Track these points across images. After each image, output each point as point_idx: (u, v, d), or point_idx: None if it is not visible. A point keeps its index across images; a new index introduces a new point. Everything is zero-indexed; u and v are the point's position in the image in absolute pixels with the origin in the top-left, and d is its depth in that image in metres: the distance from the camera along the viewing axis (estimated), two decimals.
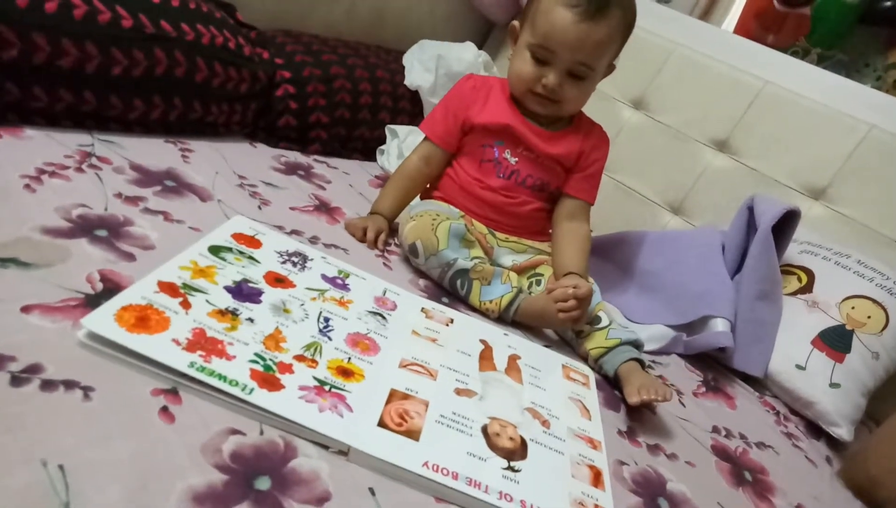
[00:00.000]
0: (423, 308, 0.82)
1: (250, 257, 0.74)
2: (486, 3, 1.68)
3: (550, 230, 1.05)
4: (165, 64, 0.97)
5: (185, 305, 0.61)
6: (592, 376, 0.85)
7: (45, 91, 0.86)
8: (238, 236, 0.77)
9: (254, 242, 0.78)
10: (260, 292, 0.68)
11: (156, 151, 0.94)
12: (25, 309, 0.54)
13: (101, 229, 0.69)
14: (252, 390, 0.54)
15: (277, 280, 0.72)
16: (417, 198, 1.06)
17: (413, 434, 0.58)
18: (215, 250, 0.72)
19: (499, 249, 1.00)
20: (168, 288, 0.62)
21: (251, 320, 0.63)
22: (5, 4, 0.80)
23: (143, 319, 0.56)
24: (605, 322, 0.91)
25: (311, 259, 0.80)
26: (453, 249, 0.90)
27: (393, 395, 0.62)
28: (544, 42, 0.90)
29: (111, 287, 0.61)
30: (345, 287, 0.77)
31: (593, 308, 0.93)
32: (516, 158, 0.99)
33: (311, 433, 0.54)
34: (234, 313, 0.63)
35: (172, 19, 0.98)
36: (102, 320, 0.54)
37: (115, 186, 0.80)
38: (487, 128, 0.99)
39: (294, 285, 0.73)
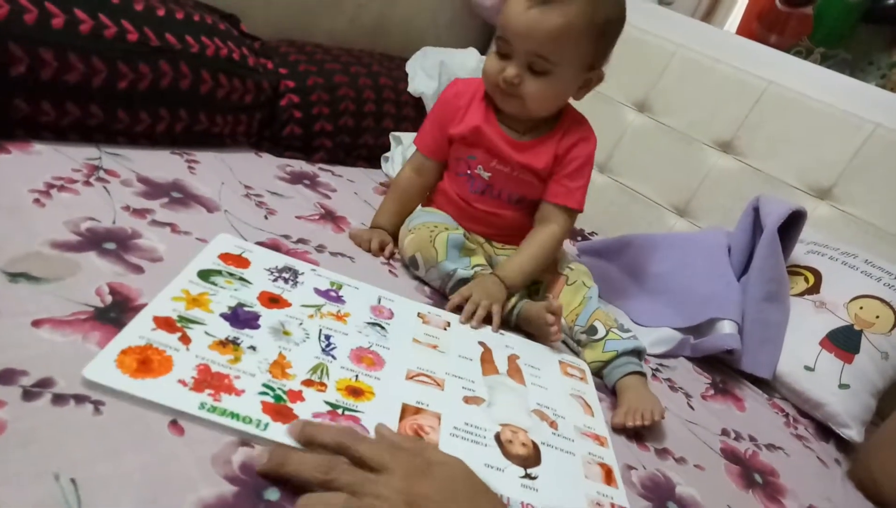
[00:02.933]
0: (419, 313, 0.82)
1: (241, 279, 0.72)
2: (487, 9, 1.68)
3: None
4: (171, 76, 0.98)
5: (185, 339, 0.59)
6: (588, 370, 0.86)
7: (52, 106, 0.87)
8: (225, 257, 0.75)
9: (241, 261, 0.76)
10: (257, 316, 0.67)
11: (162, 163, 0.95)
12: (36, 323, 0.54)
13: (110, 242, 0.70)
14: (266, 425, 0.53)
15: (272, 300, 0.70)
16: (420, 206, 1.06)
17: None
18: (205, 275, 0.70)
19: (496, 257, 1.00)
20: (164, 323, 0.60)
21: (253, 348, 0.61)
22: (13, 21, 0.81)
23: (145, 361, 0.54)
24: (601, 333, 0.89)
25: (302, 273, 0.78)
26: (452, 259, 0.90)
27: (405, 410, 0.62)
28: (502, 33, 0.87)
29: (120, 300, 0.61)
30: (339, 300, 0.76)
31: (589, 317, 0.91)
32: (489, 173, 0.96)
33: None
34: (235, 343, 0.61)
35: (177, 32, 0.99)
36: (104, 368, 0.52)
37: (123, 198, 0.80)
38: (463, 137, 0.96)
39: (289, 304, 0.71)
